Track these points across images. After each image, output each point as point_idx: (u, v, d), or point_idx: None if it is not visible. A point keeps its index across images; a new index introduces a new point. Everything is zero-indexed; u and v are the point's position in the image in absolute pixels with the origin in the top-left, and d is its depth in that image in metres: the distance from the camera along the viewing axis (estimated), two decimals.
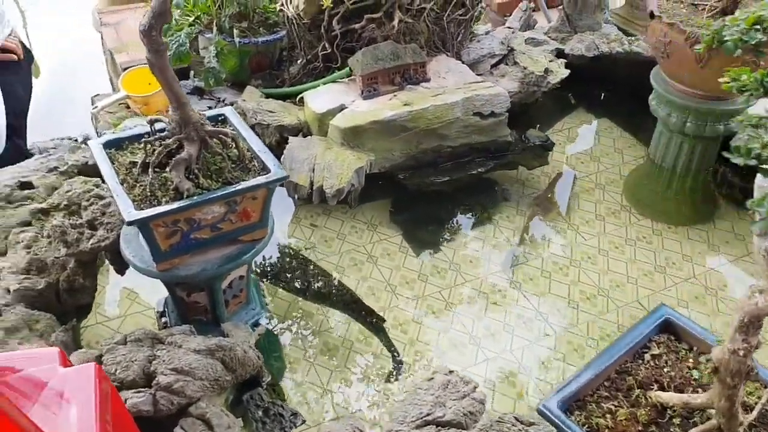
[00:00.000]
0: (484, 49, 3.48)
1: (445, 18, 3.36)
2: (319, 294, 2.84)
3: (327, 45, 3.31)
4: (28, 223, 2.65)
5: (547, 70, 3.36)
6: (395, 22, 3.21)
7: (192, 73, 3.66)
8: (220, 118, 2.38)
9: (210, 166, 2.13)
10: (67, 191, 2.40)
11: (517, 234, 3.20)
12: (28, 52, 3.57)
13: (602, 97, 4.04)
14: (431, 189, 3.21)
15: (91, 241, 2.26)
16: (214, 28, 3.34)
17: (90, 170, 2.97)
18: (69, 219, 2.29)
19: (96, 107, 3.28)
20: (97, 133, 3.36)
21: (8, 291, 2.23)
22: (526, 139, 3.35)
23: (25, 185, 2.87)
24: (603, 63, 3.75)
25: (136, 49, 3.88)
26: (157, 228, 2.02)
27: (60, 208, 2.37)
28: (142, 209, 1.99)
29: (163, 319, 2.44)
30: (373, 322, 2.75)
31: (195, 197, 2.02)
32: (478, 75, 3.31)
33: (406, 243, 3.15)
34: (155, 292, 2.65)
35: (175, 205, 1.99)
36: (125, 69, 3.62)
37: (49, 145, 3.77)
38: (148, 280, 2.28)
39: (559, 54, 3.75)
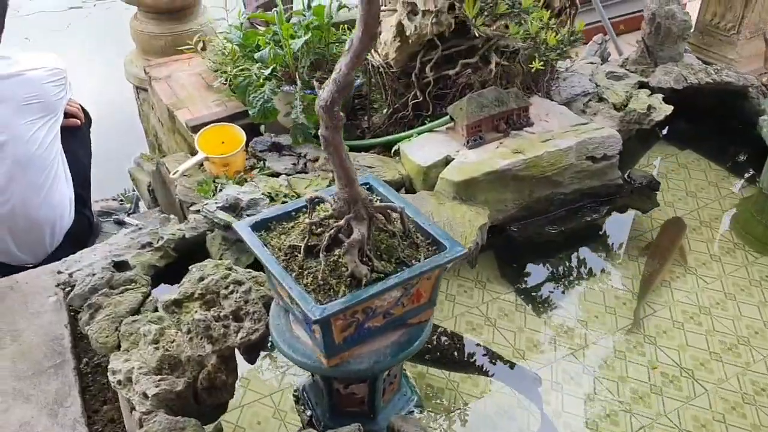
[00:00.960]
0: (575, 87, 3.32)
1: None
2: (456, 362, 2.60)
3: (418, 93, 3.11)
4: (136, 311, 2.41)
5: (650, 107, 3.20)
6: (492, 66, 3.03)
7: (262, 127, 3.43)
8: (366, 187, 2.16)
9: (379, 245, 1.91)
10: (200, 278, 2.15)
11: (636, 282, 3.01)
12: (86, 114, 3.33)
13: (684, 130, 3.90)
14: (541, 240, 3.01)
15: (239, 335, 2.01)
16: (299, 82, 3.12)
17: (187, 246, 2.73)
18: (209, 311, 2.04)
19: (177, 172, 3.03)
20: (177, 201, 3.10)
21: (145, 396, 1.97)
22: (632, 180, 3.17)
23: (121, 266, 2.62)
24: (685, 94, 3.61)
25: (195, 105, 3.65)
26: (336, 321, 1.79)
27: (194, 298, 2.12)
28: (321, 302, 1.75)
29: (308, 413, 2.19)
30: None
31: (378, 284, 1.80)
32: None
33: (522, 300, 2.94)
34: (268, 379, 2.42)
35: (363, 294, 1.76)
36: (193, 127, 3.39)
37: (112, 205, 3.51)
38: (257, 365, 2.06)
39: (642, 87, 3.60)
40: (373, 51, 3.21)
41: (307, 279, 1.84)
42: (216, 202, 2.66)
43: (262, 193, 2.71)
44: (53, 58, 3.07)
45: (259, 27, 3.93)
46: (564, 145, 2.91)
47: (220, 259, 2.68)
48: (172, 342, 2.14)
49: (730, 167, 3.66)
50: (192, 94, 3.78)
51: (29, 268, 3.22)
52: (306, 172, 3.21)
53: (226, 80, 3.75)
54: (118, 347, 2.32)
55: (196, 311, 2.05)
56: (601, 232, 3.19)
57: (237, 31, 3.34)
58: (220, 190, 3.00)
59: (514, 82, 3.13)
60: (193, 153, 3.44)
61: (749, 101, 3.57)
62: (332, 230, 1.85)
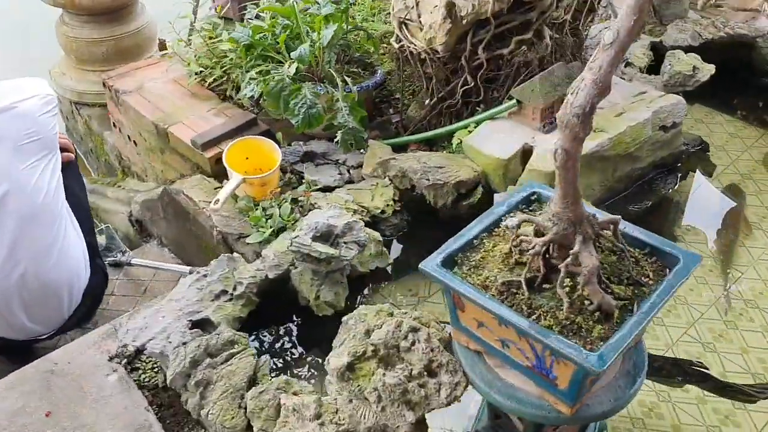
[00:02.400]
0: None
1: (580, 26, 2.99)
2: None
3: (468, 77, 2.82)
4: (254, 380, 2.00)
5: (694, 68, 3.09)
6: (547, 40, 2.79)
7: (279, 135, 3.01)
8: (533, 197, 1.87)
9: (606, 266, 1.64)
10: (366, 332, 1.78)
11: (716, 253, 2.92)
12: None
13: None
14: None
15: (443, 393, 1.68)
16: (338, 81, 2.73)
17: (272, 287, 2.32)
18: (393, 370, 1.69)
19: (218, 201, 2.57)
20: (216, 234, 2.65)
21: None
22: (686, 145, 3.07)
23: (201, 325, 2.17)
24: (698, 50, 3.55)
25: (189, 119, 3.15)
26: None
27: (365, 357, 1.75)
28: (586, 348, 1.47)
29: None
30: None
31: (636, 315, 1.53)
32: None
33: None
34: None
35: (634, 330, 1.49)
36: (203, 145, 2.91)
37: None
38: None
39: (655, 47, 3.51)
40: (410, 36, 2.87)
41: (546, 321, 1.54)
42: (305, 232, 2.26)
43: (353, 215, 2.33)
44: (40, 83, 2.50)
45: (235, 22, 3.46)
46: (641, 118, 2.74)
47: (316, 297, 2.30)
48: (335, 413, 1.76)
49: (745, 117, 3.66)
50: (178, 106, 3.26)
51: (38, 340, 2.67)
52: (353, 182, 2.85)
53: (218, 85, 3.27)
54: (248, 428, 1.92)
55: (383, 374, 1.69)
56: (674, 203, 3.06)
57: (244, 29, 2.87)
58: (270, 216, 2.58)
59: (566, 54, 2.91)
60: (211, 175, 2.97)
61: (757, 51, 3.57)
62: (570, 259, 1.56)
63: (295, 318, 2.49)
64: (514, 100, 2.73)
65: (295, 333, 2.48)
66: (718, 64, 3.53)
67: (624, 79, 3.19)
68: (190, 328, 2.17)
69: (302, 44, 2.71)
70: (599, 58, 1.37)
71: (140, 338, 2.17)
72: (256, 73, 2.81)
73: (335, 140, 2.79)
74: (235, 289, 2.28)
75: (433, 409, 1.68)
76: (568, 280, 1.58)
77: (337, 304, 2.30)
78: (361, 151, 2.86)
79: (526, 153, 2.67)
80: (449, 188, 2.62)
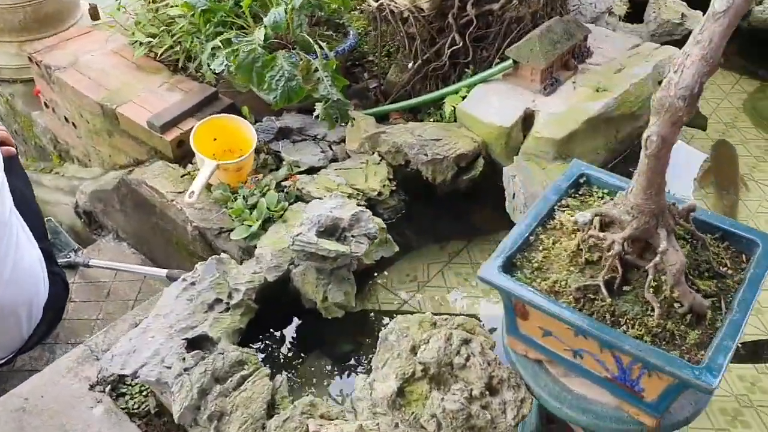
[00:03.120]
0: (600, 4, 2.95)
1: None
2: None
3: (456, 36, 2.57)
4: (273, 404, 1.76)
5: (683, 15, 2.93)
6: None
7: (245, 109, 2.70)
8: (581, 180, 1.67)
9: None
10: (412, 349, 1.55)
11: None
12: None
13: None
14: None
15: (509, 414, 1.49)
16: (315, 47, 2.42)
17: (272, 291, 2.06)
18: (448, 392, 1.48)
19: (193, 193, 2.26)
20: (192, 230, 2.35)
21: None
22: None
23: (198, 343, 1.90)
24: None
25: (139, 97, 2.78)
26: None
27: (414, 379, 1.53)
28: (693, 360, 1.30)
29: None
30: None
31: (735, 315, 1.37)
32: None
33: None
34: None
35: (736, 335, 1.32)
36: (162, 127, 2.57)
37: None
38: None
39: None
40: None
41: (635, 330, 1.36)
42: (307, 228, 1.99)
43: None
44: None
45: None
46: (643, 73, 2.57)
47: (324, 299, 2.05)
48: None
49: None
50: (124, 82, 2.87)
51: None
52: (337, 160, 2.58)
53: (168, 56, 2.90)
54: None
55: (442, 399, 1.47)
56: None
57: None
58: (254, 207, 2.30)
59: (555, 8, 2.69)
60: (172, 159, 2.64)
61: None
62: (627, 254, 1.37)
63: (295, 321, 2.24)
64: (510, 61, 2.50)
65: (297, 338, 2.23)
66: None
67: (609, 29, 3.00)
68: (187, 348, 1.89)
69: (273, 7, 2.38)
70: (708, 29, 1.16)
71: (129, 365, 1.87)
72: (221, 42, 2.46)
73: (314, 114, 2.50)
74: (230, 296, 2.00)
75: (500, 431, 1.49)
76: (642, 279, 1.40)
77: (348, 305, 2.06)
78: (342, 124, 2.58)
79: (526, 118, 2.46)
80: (449, 163, 2.39)
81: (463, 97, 2.56)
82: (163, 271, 2.32)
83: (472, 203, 2.63)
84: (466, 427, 1.47)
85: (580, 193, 1.66)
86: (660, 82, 2.65)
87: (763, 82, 3.49)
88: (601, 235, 1.42)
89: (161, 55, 2.85)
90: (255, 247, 2.25)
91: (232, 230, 2.30)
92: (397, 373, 1.52)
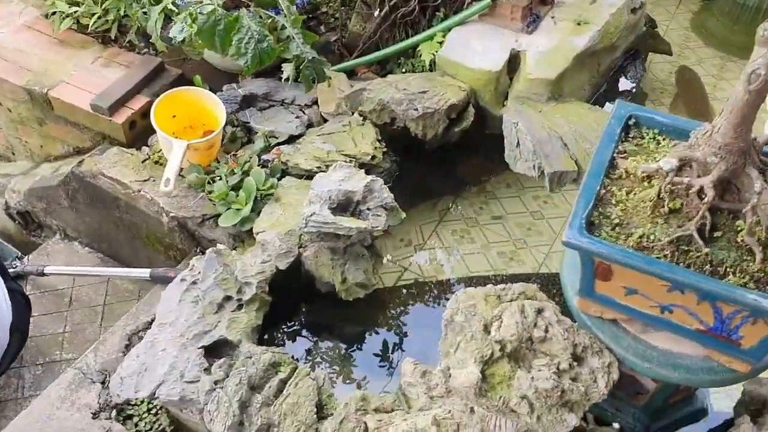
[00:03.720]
0: None
1: None
2: None
3: None
4: (321, 406, 1.59)
5: None
6: None
7: (198, 78, 2.42)
8: (630, 122, 1.56)
9: None
10: (485, 327, 1.41)
11: None
12: None
13: None
14: None
15: (600, 381, 1.38)
16: (280, 2, 2.17)
17: (285, 278, 1.87)
18: (533, 368, 1.37)
19: (168, 180, 2.00)
20: (169, 221, 2.10)
21: None
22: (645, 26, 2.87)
23: (217, 350, 1.70)
24: None
25: (71, 76, 2.45)
26: None
27: (492, 360, 1.40)
28: None
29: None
30: None
31: None
32: None
33: None
34: None
35: None
36: (110, 109, 2.28)
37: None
38: None
39: None
40: None
41: (737, 278, 1.28)
42: (319, 205, 1.79)
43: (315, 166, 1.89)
44: None
45: None
46: (618, 2, 2.48)
47: (343, 281, 1.88)
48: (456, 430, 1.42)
49: None
50: (49, 60, 2.51)
51: None
52: (312, 125, 2.36)
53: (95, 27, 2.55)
54: None
55: (532, 378, 1.35)
56: (652, 91, 2.90)
57: None
58: (238, 188, 2.07)
59: None
60: (126, 144, 2.34)
61: None
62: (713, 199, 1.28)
63: (305, 306, 2.06)
64: (487, 0, 2.34)
65: (304, 324, 2.05)
66: None
67: None
68: (206, 356, 1.68)
69: None
70: None
71: (144, 386, 1.65)
72: (172, 5, 2.16)
73: (284, 77, 2.27)
74: (241, 292, 1.79)
75: (594, 402, 1.39)
76: (741, 222, 1.31)
77: (369, 283, 1.90)
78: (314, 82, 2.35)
79: (511, 60, 2.33)
80: (440, 116, 2.23)
81: (440, 43, 2.38)
82: (146, 271, 2.06)
83: (459, 155, 2.49)
84: (560, 404, 1.35)
85: (631, 136, 1.54)
86: (633, 10, 2.59)
87: (704, 0, 3.51)
88: (686, 180, 1.31)
89: (91, 27, 2.50)
90: (247, 232, 2.03)
91: (217, 216, 2.07)
92: (476, 357, 1.38)
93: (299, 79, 2.20)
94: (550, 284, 2.25)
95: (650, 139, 1.53)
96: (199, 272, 1.82)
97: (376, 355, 1.99)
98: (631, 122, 1.56)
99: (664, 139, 1.53)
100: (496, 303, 1.47)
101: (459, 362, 1.39)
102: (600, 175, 1.42)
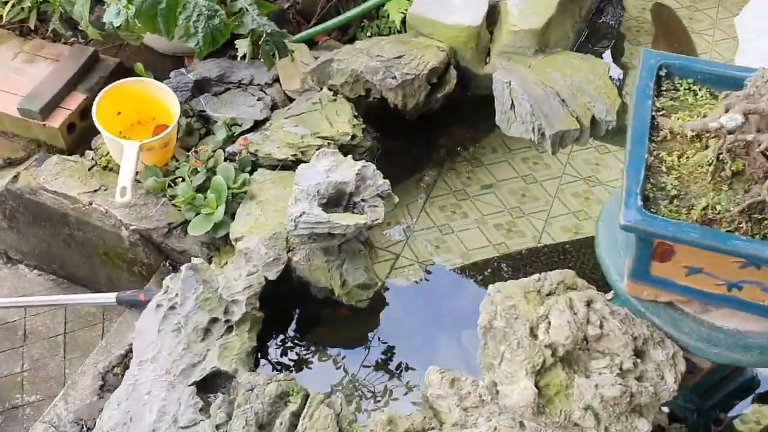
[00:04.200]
0: None
1: None
2: None
3: None
4: None
5: None
6: None
7: (139, 66, 2.13)
8: (660, 73, 1.36)
9: None
10: (531, 331, 1.21)
11: None
12: None
13: None
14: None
15: (668, 378, 1.21)
16: None
17: (276, 289, 1.63)
18: (590, 373, 1.18)
19: (125, 189, 1.73)
20: (130, 235, 1.83)
21: None
22: None
23: (210, 383, 1.47)
24: None
25: None
26: None
27: (544, 368, 1.20)
28: None
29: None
30: None
31: None
32: None
33: None
34: None
35: None
36: (41, 111, 1.98)
37: None
38: None
39: None
40: None
41: None
42: (308, 202, 1.55)
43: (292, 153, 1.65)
44: None
45: None
46: None
47: (343, 284, 1.65)
48: None
49: None
50: None
51: None
52: (278, 106, 2.10)
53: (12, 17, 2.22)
54: None
55: (595, 386, 1.16)
56: (621, 31, 2.70)
57: None
58: (205, 189, 1.81)
59: None
60: (66, 150, 2.05)
61: None
62: None
63: (295, 314, 1.83)
64: None
65: (297, 333, 1.82)
66: None
67: None
68: (199, 394, 1.44)
69: None
70: None
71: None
72: None
73: (240, 55, 1.99)
74: (228, 312, 1.55)
75: (664, 401, 1.21)
76: None
77: (372, 283, 1.68)
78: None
79: (489, 12, 2.10)
80: (421, 82, 2.00)
81: (409, 0, 2.13)
82: (111, 296, 1.79)
83: (439, 122, 2.27)
84: (629, 410, 1.17)
85: (664, 89, 1.34)
86: None
87: None
88: (750, 137, 1.12)
89: (5, 16, 2.16)
90: (223, 239, 1.78)
91: (185, 224, 1.81)
92: (526, 368, 1.18)
93: (260, 56, 1.93)
94: (562, 255, 2.07)
95: (685, 90, 1.34)
96: (176, 294, 1.57)
97: (384, 359, 1.78)
98: (662, 73, 1.35)
99: (700, 89, 1.34)
100: (537, 300, 1.27)
101: (507, 376, 1.19)
102: (644, 141, 1.22)
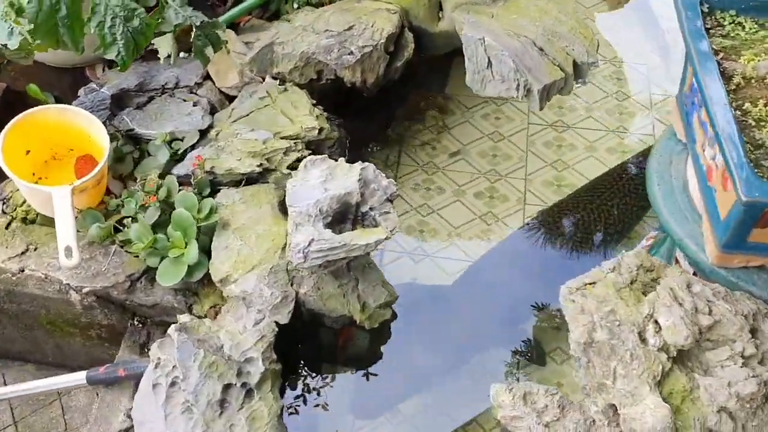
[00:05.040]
0: None
1: None
2: None
3: None
4: None
5: None
6: None
7: (34, 89, 1.75)
8: (704, 8, 1.19)
9: None
10: (638, 334, 1.04)
11: None
12: None
13: None
14: None
15: None
16: None
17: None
18: (717, 369, 1.03)
19: (70, 250, 1.39)
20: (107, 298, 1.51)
21: None
22: None
23: None
24: None
25: None
26: None
27: (664, 375, 1.04)
28: None
29: None
30: None
31: None
32: None
33: None
34: None
35: None
36: None
37: None
38: None
39: None
40: None
41: None
42: (312, 224, 1.29)
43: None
44: None
45: None
46: None
47: (363, 307, 1.42)
48: None
49: None
50: None
51: None
52: (216, 109, 1.78)
53: None
54: None
55: (728, 384, 1.01)
56: None
57: None
58: (164, 225, 1.50)
59: None
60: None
61: None
62: None
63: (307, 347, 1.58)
64: None
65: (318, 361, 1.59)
66: None
67: None
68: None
69: None
70: None
71: None
72: None
73: (161, 56, 1.67)
74: (242, 373, 1.29)
75: None
76: None
77: (392, 298, 1.45)
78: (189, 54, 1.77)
79: None
80: (380, 53, 1.75)
81: None
82: (80, 375, 1.46)
83: (393, 93, 2.04)
84: (764, 402, 1.03)
85: (708, 27, 1.17)
86: None
87: None
88: None
89: None
90: (200, 283, 1.49)
91: (148, 272, 1.50)
92: (648, 382, 1.01)
93: (193, 53, 1.61)
94: (562, 217, 1.93)
95: (731, 25, 1.18)
96: (174, 366, 1.28)
97: (407, 379, 1.58)
98: (705, 7, 1.18)
99: (746, 22, 1.18)
100: (633, 297, 1.09)
101: (627, 395, 1.02)
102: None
